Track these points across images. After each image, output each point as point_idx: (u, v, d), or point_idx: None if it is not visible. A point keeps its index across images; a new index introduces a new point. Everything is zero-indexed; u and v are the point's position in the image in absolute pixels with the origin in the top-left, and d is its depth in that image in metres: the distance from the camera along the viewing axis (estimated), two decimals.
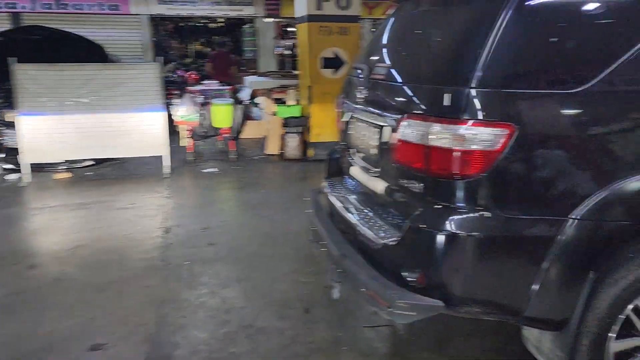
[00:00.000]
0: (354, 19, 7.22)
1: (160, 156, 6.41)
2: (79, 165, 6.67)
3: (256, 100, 9.00)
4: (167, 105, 6.98)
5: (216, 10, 13.99)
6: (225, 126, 7.29)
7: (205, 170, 6.74)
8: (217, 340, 2.80)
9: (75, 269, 3.73)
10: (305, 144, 7.36)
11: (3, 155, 6.60)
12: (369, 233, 2.23)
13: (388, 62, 2.55)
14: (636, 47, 1.89)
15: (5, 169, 6.52)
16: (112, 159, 6.84)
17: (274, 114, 7.64)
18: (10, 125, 6.17)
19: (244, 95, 9.64)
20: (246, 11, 14.18)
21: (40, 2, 12.51)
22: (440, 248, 1.91)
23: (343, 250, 2.37)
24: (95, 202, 5.36)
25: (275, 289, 3.39)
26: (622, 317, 1.96)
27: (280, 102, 7.83)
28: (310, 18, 7.03)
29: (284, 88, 8.38)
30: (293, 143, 7.33)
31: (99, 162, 6.83)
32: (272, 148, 7.59)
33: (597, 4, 1.98)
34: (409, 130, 2.05)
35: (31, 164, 6.13)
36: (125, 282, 3.51)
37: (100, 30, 12.80)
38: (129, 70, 6.48)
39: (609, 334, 1.96)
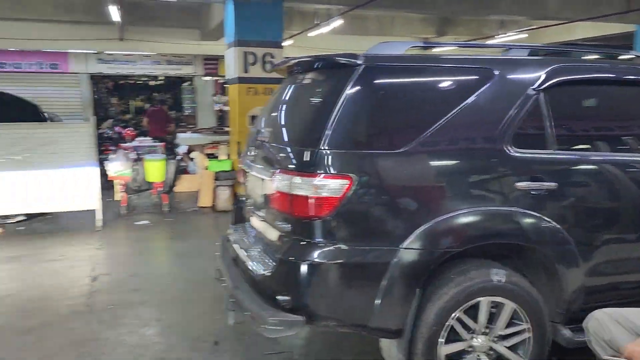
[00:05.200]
0: (278, 81, 7.90)
1: (94, 210, 6.69)
2: (10, 220, 6.84)
3: (191, 155, 9.47)
4: (102, 161, 7.33)
5: (156, 69, 14.55)
6: (158, 180, 7.66)
7: (137, 223, 7.05)
8: None
9: (1, 317, 3.97)
10: (236, 196, 7.81)
11: None
12: (253, 266, 2.71)
13: (268, 126, 3.11)
14: (443, 119, 2.53)
15: None
16: (45, 213, 7.04)
17: (206, 168, 8.11)
18: None
19: (180, 150, 10.09)
20: (185, 70, 14.82)
21: None
22: (303, 275, 2.41)
23: (235, 282, 2.82)
24: (26, 255, 5.56)
25: (190, 326, 3.77)
26: (448, 325, 2.49)
27: (212, 157, 8.28)
28: (240, 80, 7.68)
29: (216, 143, 8.90)
30: (224, 195, 7.77)
31: (31, 216, 7.01)
32: (205, 201, 8.00)
33: (419, 89, 2.63)
34: (280, 182, 2.58)
35: None
36: (49, 325, 3.79)
37: (39, 88, 13.06)
38: (61, 129, 6.84)
39: (439, 339, 2.49)
